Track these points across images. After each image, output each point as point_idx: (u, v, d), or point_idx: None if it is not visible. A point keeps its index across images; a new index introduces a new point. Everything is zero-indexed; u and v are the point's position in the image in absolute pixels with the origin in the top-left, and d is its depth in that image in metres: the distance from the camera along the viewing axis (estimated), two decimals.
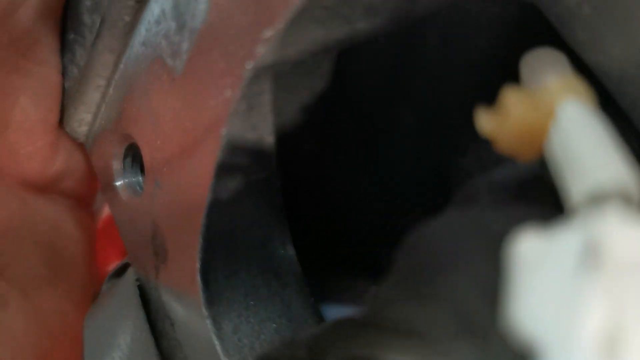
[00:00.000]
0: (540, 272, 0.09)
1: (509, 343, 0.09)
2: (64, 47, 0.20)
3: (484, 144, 0.14)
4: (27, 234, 0.23)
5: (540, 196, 0.12)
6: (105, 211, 0.28)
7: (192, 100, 0.16)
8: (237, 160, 0.17)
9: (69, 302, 0.24)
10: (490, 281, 0.10)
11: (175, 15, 0.17)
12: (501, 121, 0.12)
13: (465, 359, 0.09)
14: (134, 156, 0.21)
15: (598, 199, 0.10)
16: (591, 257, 0.08)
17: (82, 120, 0.21)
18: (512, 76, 0.15)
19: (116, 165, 0.21)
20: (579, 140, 0.10)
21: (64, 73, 0.21)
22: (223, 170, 0.17)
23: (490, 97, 0.14)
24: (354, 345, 0.10)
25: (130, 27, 0.18)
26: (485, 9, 0.18)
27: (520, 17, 0.18)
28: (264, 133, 0.17)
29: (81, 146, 0.23)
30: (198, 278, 0.18)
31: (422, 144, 0.23)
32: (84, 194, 0.25)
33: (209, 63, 0.16)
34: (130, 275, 0.21)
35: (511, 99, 0.12)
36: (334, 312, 0.23)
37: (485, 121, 0.12)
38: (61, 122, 0.22)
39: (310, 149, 0.20)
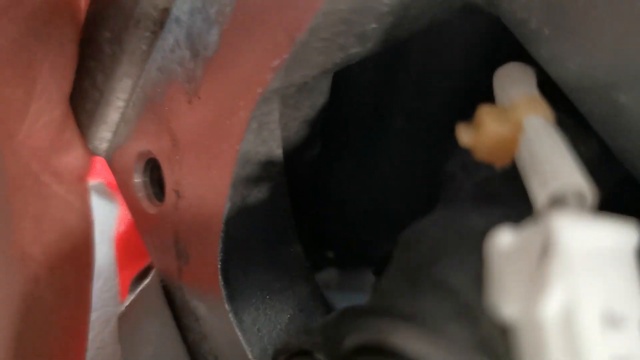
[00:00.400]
0: (513, 262, 0.11)
1: (495, 322, 0.11)
2: (86, 73, 0.22)
3: (466, 150, 0.17)
4: (45, 217, 0.23)
5: (514, 196, 0.14)
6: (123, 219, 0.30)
7: (208, 120, 0.18)
8: (249, 171, 0.19)
9: (86, 279, 0.25)
10: (476, 271, 0.12)
11: (189, 45, 0.19)
12: (478, 134, 0.14)
13: (460, 337, 0.11)
14: (152, 170, 0.23)
15: (557, 201, 0.12)
16: (549, 249, 0.10)
17: (103, 138, 0.23)
18: (489, 85, 0.18)
19: (137, 178, 0.23)
20: (542, 150, 0.13)
21: (86, 96, 0.23)
22: (238, 180, 0.19)
23: (469, 105, 0.16)
24: (364, 332, 0.12)
25: (147, 55, 0.20)
26: (460, 25, 0.20)
27: (492, 30, 0.20)
28: (273, 146, 0.19)
29: None
30: (219, 277, 0.20)
31: (411, 146, 0.25)
32: (84, 172, 0.25)
33: (222, 87, 0.18)
34: (154, 277, 0.23)
35: (485, 115, 0.14)
36: (338, 299, 0.25)
37: (464, 134, 0.14)
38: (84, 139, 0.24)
39: (312, 156, 0.22)
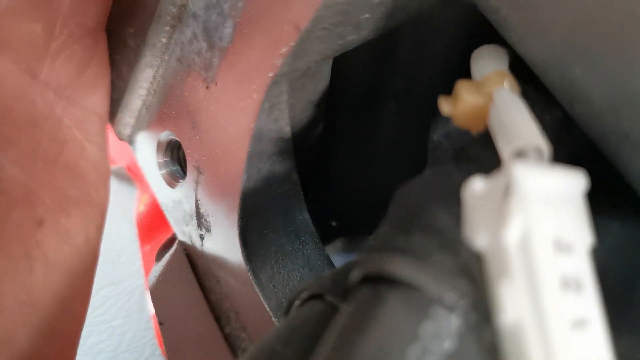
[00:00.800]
0: (483, 203, 0.14)
1: (472, 251, 0.14)
2: (112, 65, 0.25)
3: (450, 122, 0.19)
4: (58, 156, 0.23)
5: (488, 157, 0.17)
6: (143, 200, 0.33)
7: (225, 103, 0.21)
8: (263, 147, 0.22)
9: (92, 225, 0.24)
10: (457, 215, 0.15)
11: (206, 37, 0.21)
12: (456, 104, 0.17)
13: (444, 263, 0.14)
14: (172, 150, 0.26)
15: (519, 155, 0.15)
16: (509, 189, 0.13)
17: (127, 124, 0.26)
18: (468, 65, 0.20)
19: (159, 158, 0.26)
20: (507, 115, 0.15)
21: (112, 86, 0.25)
22: (253, 155, 0.21)
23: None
24: (365, 265, 0.15)
25: (166, 47, 0.23)
26: (443, 13, 0.23)
27: (471, 17, 0.22)
28: (283, 124, 0.21)
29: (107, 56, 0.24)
30: (239, 241, 0.23)
31: (403, 127, 0.28)
32: (106, 112, 0.25)
33: (237, 73, 0.20)
34: (178, 247, 0.26)
35: (462, 88, 0.17)
36: (342, 260, 0.28)
37: (445, 105, 0.17)
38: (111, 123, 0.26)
39: (316, 134, 0.25)
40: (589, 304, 0.14)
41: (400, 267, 0.14)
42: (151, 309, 0.30)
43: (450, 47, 0.24)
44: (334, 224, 0.30)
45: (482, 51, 0.19)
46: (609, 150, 0.17)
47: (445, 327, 0.13)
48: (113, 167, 0.34)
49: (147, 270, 0.32)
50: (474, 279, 0.14)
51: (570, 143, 0.19)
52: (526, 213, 0.13)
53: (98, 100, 0.24)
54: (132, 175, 0.33)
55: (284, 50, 0.19)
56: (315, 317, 0.18)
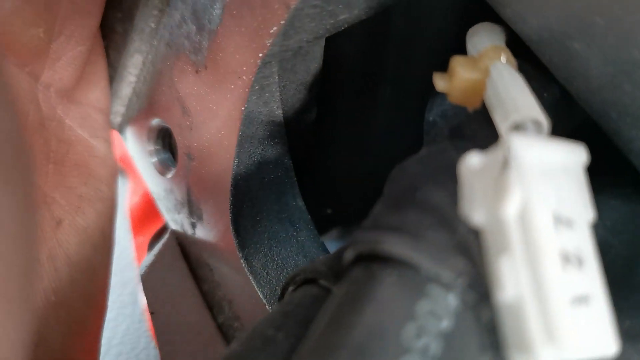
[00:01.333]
0: (480, 178, 0.13)
1: (469, 228, 0.14)
2: None
3: (445, 101, 0.19)
4: (66, 156, 0.24)
5: (484, 134, 0.16)
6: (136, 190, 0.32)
7: (215, 86, 0.21)
8: (254, 130, 0.21)
9: (107, 220, 0.25)
10: (452, 192, 0.14)
11: (194, 19, 0.21)
12: (451, 80, 0.16)
13: (439, 241, 0.13)
14: (163, 137, 0.25)
15: (517, 128, 0.14)
16: (508, 162, 0.13)
17: (117, 112, 0.26)
18: (463, 46, 0.20)
19: (150, 146, 0.25)
20: (504, 89, 0.15)
21: None
22: (244, 139, 0.21)
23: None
24: (359, 244, 0.14)
25: (155, 32, 0.23)
26: None
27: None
28: (274, 107, 0.21)
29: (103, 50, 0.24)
30: (231, 228, 0.22)
31: (399, 111, 0.27)
32: (108, 107, 0.25)
33: (227, 56, 0.20)
34: (170, 236, 0.25)
35: (457, 63, 0.16)
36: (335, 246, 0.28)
37: (440, 81, 0.16)
38: None
39: (309, 118, 0.24)
40: (591, 280, 0.13)
41: (394, 245, 0.13)
42: (143, 300, 0.29)
43: (445, 26, 0.24)
44: (329, 211, 0.30)
45: (478, 28, 0.18)
46: (608, 125, 0.17)
47: (442, 305, 0.13)
48: None
49: (140, 262, 0.31)
50: (472, 257, 0.13)
51: (569, 120, 0.19)
52: (525, 186, 0.13)
53: (99, 96, 0.24)
54: (124, 167, 0.33)
55: (274, 29, 0.18)
56: (308, 301, 0.17)
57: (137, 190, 0.32)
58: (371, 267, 0.14)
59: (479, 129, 0.17)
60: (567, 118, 0.19)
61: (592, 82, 0.16)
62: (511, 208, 0.13)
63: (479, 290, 0.13)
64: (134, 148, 0.26)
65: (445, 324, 0.13)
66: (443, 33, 0.24)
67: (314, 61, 0.21)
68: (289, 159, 0.23)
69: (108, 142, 0.25)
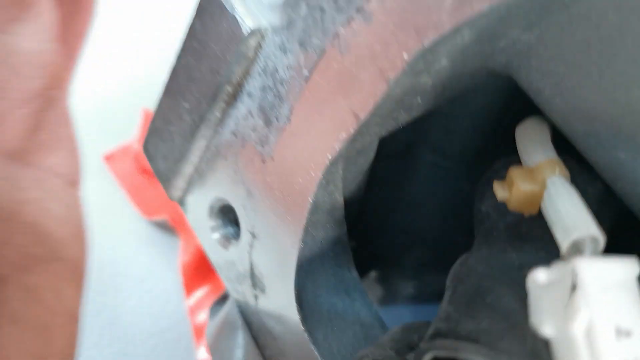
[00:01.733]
0: (548, 293, 0.15)
1: (539, 337, 0.16)
2: (167, 135, 0.26)
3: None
4: (16, 215, 0.23)
5: (540, 235, 0.18)
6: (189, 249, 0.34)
7: (282, 177, 0.23)
8: (318, 217, 0.23)
9: (65, 283, 0.24)
10: (518, 294, 0.16)
11: (261, 115, 0.23)
12: (510, 190, 0.18)
13: (514, 350, 0.15)
14: (224, 213, 0.27)
15: (578, 245, 0.16)
16: (576, 286, 0.15)
17: (179, 187, 0.27)
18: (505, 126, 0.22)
19: (212, 222, 0.27)
20: (562, 205, 0.17)
21: (166, 155, 0.27)
22: (309, 225, 0.23)
23: (489, 143, 0.21)
24: (440, 349, 0.16)
25: (221, 121, 0.24)
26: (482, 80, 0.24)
27: (508, 86, 0.24)
28: (337, 195, 0.23)
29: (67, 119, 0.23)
30: (295, 303, 0.24)
31: (438, 176, 0.29)
32: (71, 172, 0.24)
33: (295, 152, 0.22)
34: (231, 303, 0.27)
35: (516, 175, 0.18)
36: (386, 313, 0.30)
37: (500, 191, 0.18)
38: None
39: (361, 194, 0.26)
40: None
41: (473, 354, 0.15)
42: (200, 357, 0.31)
43: (487, 105, 0.26)
44: (374, 274, 0.32)
45: (527, 129, 0.20)
46: None
47: None
48: (157, 219, 0.35)
49: (193, 319, 0.33)
50: None
51: (612, 212, 0.21)
52: (590, 305, 0.14)
53: (58, 161, 0.24)
54: (175, 226, 0.35)
55: (343, 136, 0.20)
56: None
57: (188, 248, 0.34)
58: None
59: (536, 231, 0.18)
60: (610, 209, 0.21)
61: (638, 186, 0.18)
62: (579, 326, 0.14)
63: None
64: (194, 220, 0.28)
65: None
66: (485, 110, 0.26)
67: (371, 152, 0.23)
68: (346, 235, 0.25)
69: (71, 206, 0.24)
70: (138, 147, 0.37)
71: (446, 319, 0.17)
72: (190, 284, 0.33)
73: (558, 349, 0.15)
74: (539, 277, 0.16)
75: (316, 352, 0.24)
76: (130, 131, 0.39)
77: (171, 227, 0.35)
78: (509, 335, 0.15)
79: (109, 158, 0.37)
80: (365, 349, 0.21)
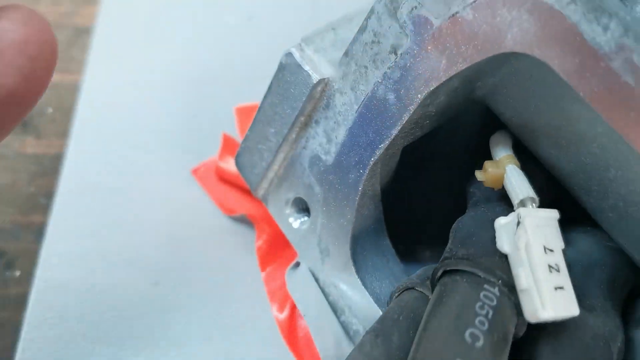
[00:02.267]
0: (505, 229, 0.27)
1: (502, 255, 0.27)
2: (256, 151, 0.38)
3: (480, 182, 0.33)
4: None
5: (504, 202, 0.30)
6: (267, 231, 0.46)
7: (339, 175, 0.34)
8: (365, 202, 0.35)
9: None
10: (492, 238, 0.28)
11: (325, 135, 0.35)
12: (485, 174, 0.30)
13: (490, 263, 0.27)
14: (297, 204, 0.39)
15: (523, 202, 0.28)
16: (519, 224, 0.26)
17: (263, 187, 0.39)
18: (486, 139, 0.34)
19: (288, 210, 0.39)
20: (514, 181, 0.28)
21: (254, 165, 0.39)
22: (359, 207, 0.35)
23: (477, 150, 0.33)
24: (445, 267, 0.28)
25: (295, 140, 0.36)
26: (468, 112, 0.36)
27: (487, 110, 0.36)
28: (377, 186, 0.35)
29: None
30: (351, 260, 0.36)
31: (444, 175, 0.41)
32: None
33: (348, 158, 0.34)
34: (304, 267, 0.39)
35: (488, 165, 0.30)
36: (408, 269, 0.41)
37: (480, 175, 0.30)
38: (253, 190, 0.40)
39: (391, 185, 0.38)
40: (564, 279, 0.26)
41: (466, 266, 0.27)
42: (274, 314, 0.43)
43: (474, 122, 0.38)
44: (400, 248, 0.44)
45: (497, 138, 0.32)
46: (585, 205, 0.30)
47: (492, 293, 0.26)
48: (236, 215, 0.47)
49: (268, 289, 0.45)
50: (505, 270, 0.27)
51: (554, 188, 0.32)
52: (527, 234, 0.26)
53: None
54: (252, 220, 0.47)
55: (381, 146, 0.32)
56: (411, 300, 0.31)
57: (262, 235, 0.46)
58: (454, 276, 0.27)
59: (500, 197, 0.30)
60: (552, 187, 0.32)
61: (563, 171, 0.30)
62: (523, 244, 0.26)
63: (509, 285, 0.27)
64: (275, 211, 0.40)
65: (495, 303, 0.26)
66: (473, 126, 0.38)
67: (398, 155, 0.35)
68: (381, 213, 0.37)
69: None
70: (218, 162, 0.49)
71: (449, 251, 0.29)
72: (264, 261, 0.45)
73: (512, 260, 0.27)
74: (500, 221, 0.27)
75: (367, 292, 0.36)
76: (209, 150, 0.51)
77: (248, 220, 0.47)
78: (485, 256, 0.27)
79: (195, 171, 0.49)
80: (399, 282, 0.33)
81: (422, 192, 0.42)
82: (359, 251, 0.36)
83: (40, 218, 0.47)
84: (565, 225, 0.29)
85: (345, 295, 0.37)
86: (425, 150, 0.40)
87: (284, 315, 0.44)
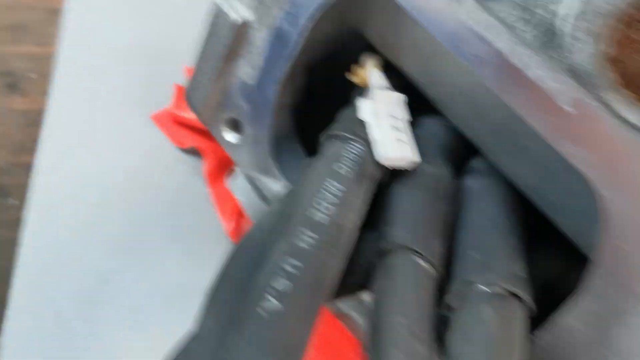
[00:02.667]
0: (365, 104, 0.39)
1: (362, 120, 0.40)
2: (199, 86, 0.50)
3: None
4: None
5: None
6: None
7: (260, 94, 0.46)
8: (279, 114, 0.47)
9: None
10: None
11: (249, 65, 0.47)
12: (356, 77, 0.42)
13: (358, 128, 0.39)
14: (232, 123, 0.51)
15: (380, 88, 0.40)
16: (370, 95, 0.39)
17: (206, 114, 0.51)
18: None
19: (225, 128, 0.51)
20: (372, 77, 0.41)
21: (198, 99, 0.50)
22: (274, 118, 0.47)
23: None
24: (325, 133, 0.40)
25: (227, 72, 0.48)
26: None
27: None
28: (291, 100, 0.47)
29: None
30: (272, 161, 0.48)
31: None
32: None
33: (266, 79, 0.46)
34: (241, 175, 0.51)
35: (358, 71, 0.42)
36: None
37: (353, 77, 0.43)
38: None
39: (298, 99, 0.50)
40: (405, 136, 0.39)
41: (337, 130, 0.39)
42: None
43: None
44: None
45: (366, 56, 0.44)
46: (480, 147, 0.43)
47: (355, 145, 0.38)
48: (188, 147, 0.59)
49: (218, 200, 0.57)
50: (364, 131, 0.39)
51: (458, 138, 0.45)
52: (378, 105, 0.39)
53: None
54: (199, 150, 0.59)
55: (287, 65, 0.44)
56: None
57: (209, 160, 0.58)
58: (330, 139, 0.39)
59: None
60: (455, 138, 0.45)
61: (457, 119, 0.43)
62: (375, 112, 0.38)
63: (368, 146, 0.39)
64: (215, 132, 0.51)
65: (355, 151, 0.38)
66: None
67: (305, 74, 0.48)
68: (292, 121, 0.49)
69: None
70: (172, 108, 0.60)
71: (331, 125, 0.41)
72: (213, 179, 0.57)
73: (368, 125, 0.39)
74: (362, 99, 0.40)
75: (287, 181, 0.48)
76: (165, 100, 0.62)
77: (196, 150, 0.59)
78: (352, 124, 0.39)
79: (155, 117, 0.61)
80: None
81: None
82: (278, 152, 0.48)
83: (29, 158, 0.59)
84: (416, 111, 0.41)
85: (272, 188, 0.49)
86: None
87: (231, 224, 0.56)
